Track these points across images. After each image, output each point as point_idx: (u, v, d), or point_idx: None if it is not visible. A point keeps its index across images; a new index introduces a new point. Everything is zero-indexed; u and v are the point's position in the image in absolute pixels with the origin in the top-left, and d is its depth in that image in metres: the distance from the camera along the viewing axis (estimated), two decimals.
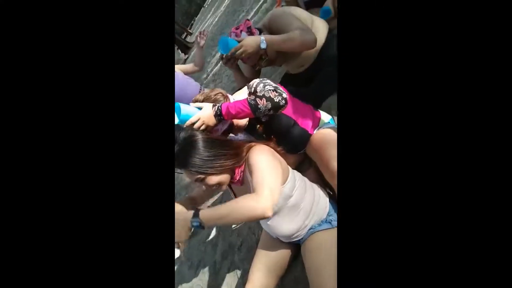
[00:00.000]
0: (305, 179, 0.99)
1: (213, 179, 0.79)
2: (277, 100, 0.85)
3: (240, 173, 0.84)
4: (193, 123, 0.85)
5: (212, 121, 0.87)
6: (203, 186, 0.82)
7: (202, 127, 0.86)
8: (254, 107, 0.85)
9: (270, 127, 1.07)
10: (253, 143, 0.88)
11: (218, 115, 0.87)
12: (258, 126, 1.09)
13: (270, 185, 0.72)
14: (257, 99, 0.85)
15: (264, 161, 0.79)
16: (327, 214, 0.95)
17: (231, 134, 1.18)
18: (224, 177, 0.82)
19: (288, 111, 1.05)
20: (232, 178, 0.85)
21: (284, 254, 1.02)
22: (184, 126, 0.85)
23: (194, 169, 0.77)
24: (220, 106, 0.87)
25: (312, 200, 0.93)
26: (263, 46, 1.14)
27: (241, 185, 0.88)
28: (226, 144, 0.84)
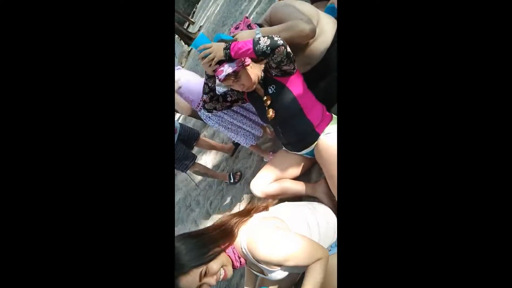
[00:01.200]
0: (308, 218, 0.93)
1: (214, 265, 0.76)
2: (276, 39, 0.93)
3: (238, 259, 0.81)
4: (204, 50, 0.98)
5: (220, 53, 0.97)
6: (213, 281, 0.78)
7: (210, 56, 0.97)
8: (255, 42, 0.93)
9: (276, 103, 1.10)
10: (236, 219, 0.87)
11: (226, 48, 0.97)
12: (266, 98, 1.12)
13: (309, 249, 0.78)
14: (261, 37, 0.94)
15: (283, 246, 0.78)
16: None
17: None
18: (224, 259, 0.79)
19: (296, 93, 1.08)
20: (233, 265, 0.82)
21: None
22: (197, 50, 1.00)
23: (193, 264, 0.74)
24: (231, 42, 0.98)
25: (317, 238, 0.89)
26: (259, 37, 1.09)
27: (246, 264, 0.86)
28: (207, 229, 0.84)
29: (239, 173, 1.98)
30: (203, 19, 10.67)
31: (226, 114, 1.51)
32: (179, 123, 1.91)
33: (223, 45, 0.98)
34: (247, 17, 1.21)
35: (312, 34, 1.13)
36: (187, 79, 1.67)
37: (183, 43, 9.49)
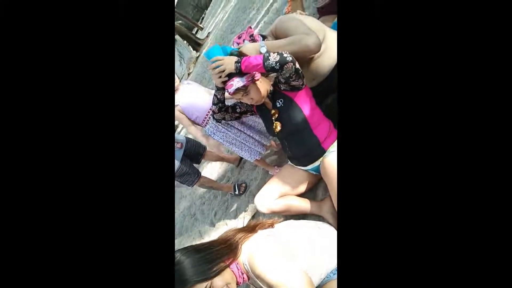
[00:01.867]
0: (313, 239, 0.92)
1: (219, 282, 0.76)
2: (285, 55, 0.94)
3: (241, 275, 0.81)
4: (216, 61, 1.00)
5: (231, 66, 0.99)
6: None
7: (221, 68, 0.99)
8: (265, 58, 0.95)
9: (283, 116, 1.11)
10: (240, 234, 0.86)
11: (237, 62, 0.99)
12: (274, 111, 1.13)
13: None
14: (271, 53, 0.96)
15: (278, 270, 0.75)
16: None
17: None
18: (229, 277, 0.79)
19: (304, 108, 1.09)
20: (236, 281, 0.82)
21: None
22: (209, 60, 1.02)
23: (197, 278, 0.74)
24: (242, 57, 1.00)
25: (322, 261, 0.88)
26: (263, 51, 1.08)
27: (249, 281, 0.85)
28: (212, 243, 0.84)
29: (244, 185, 1.98)
30: (211, 26, 10.79)
31: (230, 131, 1.52)
32: (185, 138, 1.90)
33: (234, 58, 1.00)
34: (250, 27, 1.22)
35: (317, 49, 1.12)
36: (192, 96, 1.67)
37: (191, 49, 9.59)
